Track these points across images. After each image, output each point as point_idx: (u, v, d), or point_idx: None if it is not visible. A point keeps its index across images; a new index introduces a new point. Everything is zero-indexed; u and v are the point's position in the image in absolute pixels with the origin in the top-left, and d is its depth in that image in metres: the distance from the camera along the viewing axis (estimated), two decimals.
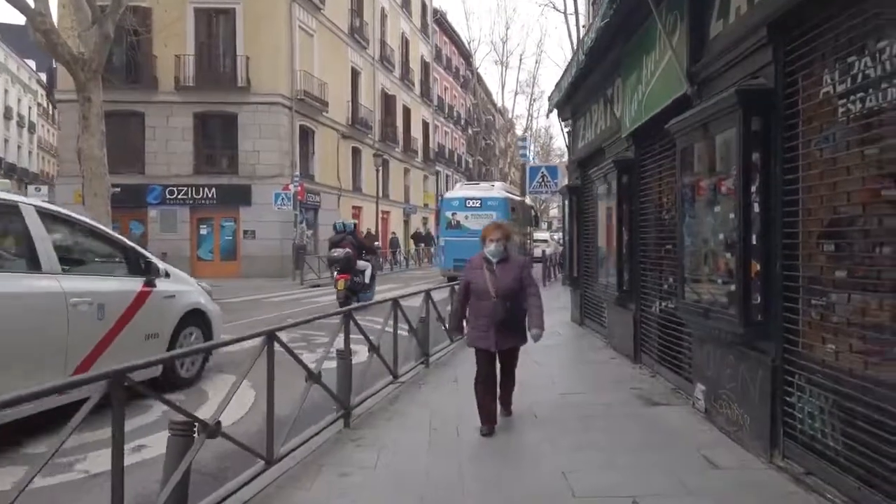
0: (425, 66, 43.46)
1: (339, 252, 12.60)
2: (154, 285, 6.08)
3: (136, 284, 5.86)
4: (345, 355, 5.22)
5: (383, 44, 34.49)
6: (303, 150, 25.62)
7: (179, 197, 23.02)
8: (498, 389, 5.15)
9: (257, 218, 23.02)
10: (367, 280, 13.00)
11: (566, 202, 11.08)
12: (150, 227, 23.14)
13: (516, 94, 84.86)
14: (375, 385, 6.07)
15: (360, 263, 12.83)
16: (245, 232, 23.30)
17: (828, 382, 3.56)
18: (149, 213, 23.07)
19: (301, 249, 22.28)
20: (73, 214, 5.64)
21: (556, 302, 14.28)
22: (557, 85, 10.15)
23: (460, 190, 22.04)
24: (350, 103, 29.86)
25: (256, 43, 23.00)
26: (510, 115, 65.39)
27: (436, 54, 46.36)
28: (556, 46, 75.55)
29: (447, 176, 50.07)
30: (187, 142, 23.09)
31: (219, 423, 3.14)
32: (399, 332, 6.89)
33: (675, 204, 6.22)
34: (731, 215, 4.33)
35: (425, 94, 43.03)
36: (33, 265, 4.82)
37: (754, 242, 4.15)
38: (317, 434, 4.50)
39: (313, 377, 4.42)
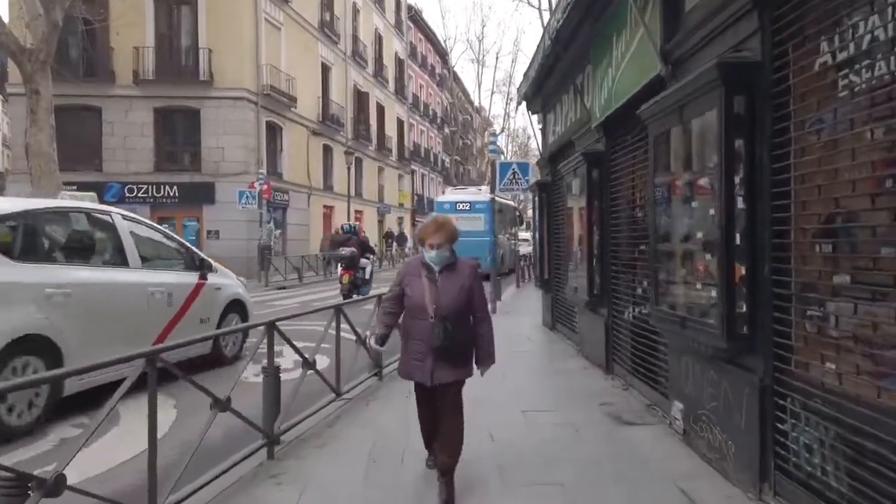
0: (399, 63, 42.73)
1: (345, 250, 13.81)
2: (206, 279, 7.28)
3: (193, 278, 7.09)
4: (270, 371, 4.52)
5: (355, 39, 33.71)
6: (270, 146, 24.77)
7: (139, 195, 22.04)
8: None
9: (221, 217, 22.13)
10: (367, 276, 14.19)
11: (536, 200, 10.49)
12: None
13: (493, 92, 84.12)
14: (314, 405, 5.38)
15: (362, 261, 14.01)
16: (209, 232, 22.39)
17: (828, 409, 2.97)
18: None
19: (266, 250, 21.44)
20: (146, 220, 7.20)
21: (528, 304, 13.68)
22: (525, 74, 9.55)
23: (451, 194, 23.18)
24: (321, 99, 29.04)
25: (220, 35, 22.11)
26: (488, 114, 64.92)
27: (410, 51, 45.66)
28: (532, 44, 75.30)
29: (423, 175, 49.40)
30: (147, 138, 22.12)
31: (62, 476, 2.43)
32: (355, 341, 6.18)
33: (649, 200, 5.66)
34: (711, 211, 3.73)
35: (400, 91, 42.30)
36: (123, 262, 6.15)
37: (738, 242, 3.55)
38: (227, 471, 3.80)
39: (220, 404, 3.72)
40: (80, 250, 5.95)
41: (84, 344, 5.29)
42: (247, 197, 20.75)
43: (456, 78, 58.33)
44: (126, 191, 21.93)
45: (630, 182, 6.28)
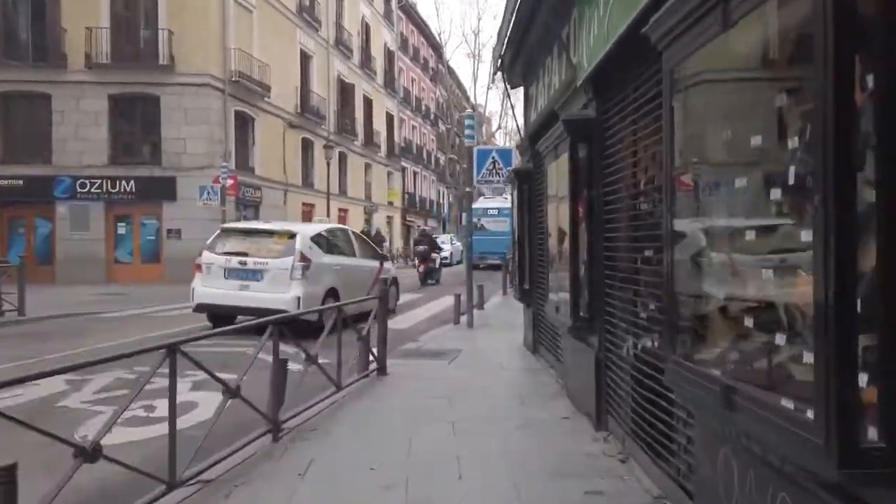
0: (389, 55, 40.81)
1: (422, 248, 19.89)
2: (382, 265, 12.53)
3: (377, 264, 12.34)
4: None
5: (339, 27, 31.78)
6: (240, 139, 22.84)
7: (93, 191, 20.12)
8: None
9: (183, 215, 20.22)
10: (437, 266, 20.03)
11: (515, 192, 8.58)
12: (59, 226, 20.23)
13: (489, 88, 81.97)
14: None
15: (433, 255, 19.68)
16: (169, 231, 20.48)
17: None
18: (56, 209, 20.15)
19: None
20: (358, 232, 13.60)
21: (511, 317, 11.76)
22: (499, 34, 7.62)
23: (482, 202, 27.55)
24: (299, 90, 27.11)
25: (182, 15, 20.19)
26: (484, 111, 62.93)
27: (401, 43, 43.75)
28: None
29: (415, 173, 47.49)
30: (101, 127, 20.20)
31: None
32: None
33: (658, 186, 3.79)
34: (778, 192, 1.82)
35: (389, 84, 40.38)
36: (354, 254, 11.61)
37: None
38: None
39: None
40: (340, 248, 11.28)
41: (346, 292, 10.12)
42: (208, 192, 18.86)
43: (451, 73, 56.38)
44: (78, 185, 20.02)
45: (631, 161, 4.37)
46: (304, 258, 9.40)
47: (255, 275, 9.50)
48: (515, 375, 7.06)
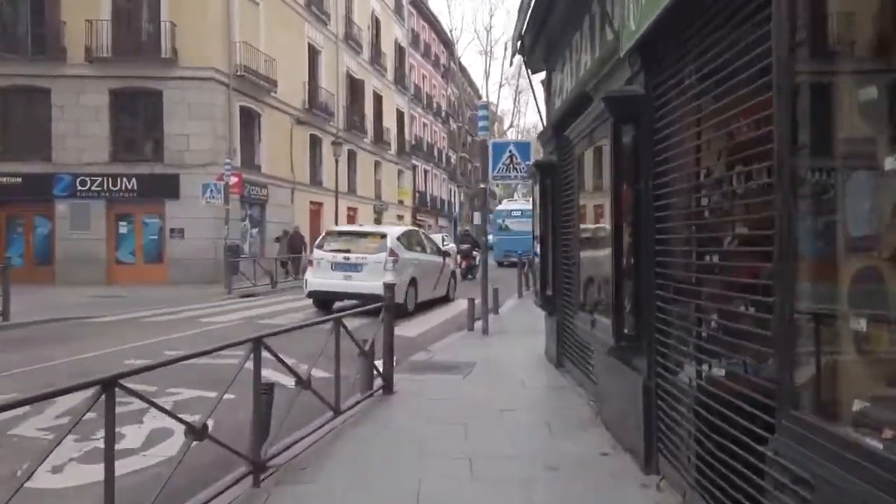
0: (400, 51, 40.03)
1: (465, 246, 22.04)
2: (445, 259, 14.91)
3: (441, 259, 14.70)
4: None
5: (349, 21, 31.02)
6: (246, 135, 22.13)
7: (93, 188, 19.46)
8: None
9: (186, 214, 19.52)
10: (476, 263, 20.33)
11: (536, 187, 7.73)
12: (58, 225, 19.59)
13: (501, 85, 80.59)
14: None
15: (473, 253, 21.41)
16: (172, 230, 19.79)
17: None
18: (56, 208, 19.51)
19: (232, 251, 18.81)
20: (427, 233, 17.33)
21: (529, 322, 10.93)
22: (520, 10, 6.77)
23: (506, 205, 31.90)
24: (307, 85, 26.38)
25: (184, 7, 19.48)
26: (496, 109, 61.98)
27: (412, 39, 42.95)
28: None
29: (426, 171, 46.71)
30: (102, 123, 19.53)
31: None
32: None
33: (729, 176, 2.99)
34: None
35: (400, 80, 39.58)
36: (425, 250, 14.03)
37: None
38: None
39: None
40: (416, 246, 13.52)
41: (422, 281, 12.98)
42: (211, 190, 18.11)
43: (463, 70, 55.56)
44: (78, 183, 19.36)
45: (691, 146, 3.54)
46: (393, 253, 11.85)
47: (357, 267, 12.00)
48: (539, 395, 6.21)
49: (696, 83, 3.48)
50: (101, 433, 4.87)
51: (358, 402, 5.51)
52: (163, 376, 6.78)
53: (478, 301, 10.51)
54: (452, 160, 54.70)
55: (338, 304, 12.33)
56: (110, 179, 19.46)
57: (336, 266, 12.06)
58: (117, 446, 4.69)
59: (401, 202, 40.08)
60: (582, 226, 5.19)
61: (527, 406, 5.77)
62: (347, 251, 12.20)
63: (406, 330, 10.31)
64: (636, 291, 4.06)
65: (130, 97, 19.89)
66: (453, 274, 13.01)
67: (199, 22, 19.60)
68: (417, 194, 43.80)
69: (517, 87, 53.24)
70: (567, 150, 6.80)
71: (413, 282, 12.51)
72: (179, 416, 3.51)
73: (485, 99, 58.10)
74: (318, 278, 12.17)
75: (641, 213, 4.05)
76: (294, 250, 22.12)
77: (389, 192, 37.74)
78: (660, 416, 3.94)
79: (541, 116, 7.70)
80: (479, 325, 10.42)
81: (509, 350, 8.56)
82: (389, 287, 6.26)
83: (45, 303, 13.86)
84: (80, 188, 19.37)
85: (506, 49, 74.90)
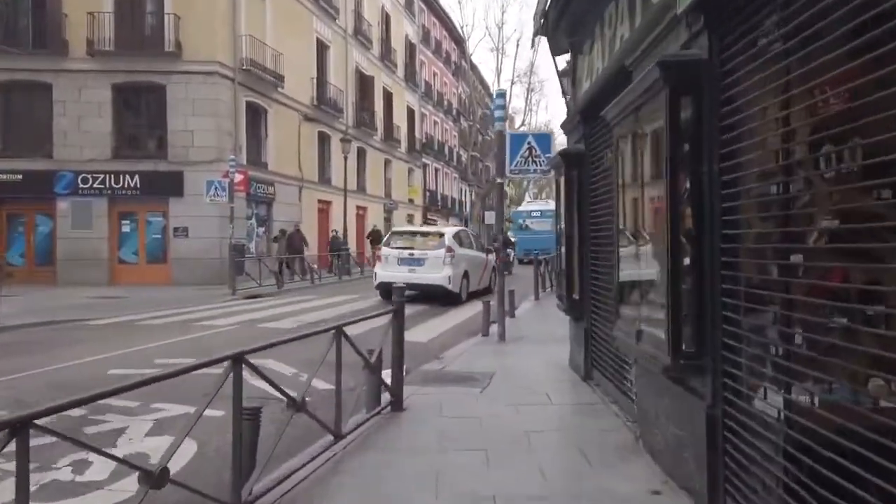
0: (410, 48, 39.36)
1: (497, 244, 25.23)
2: (488, 256, 16.09)
3: (485, 255, 16.32)
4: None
5: (358, 16, 30.38)
6: (252, 131, 21.53)
7: (95, 186, 18.91)
8: None
9: (191, 212, 18.93)
10: (511, 260, 22.36)
11: (560, 179, 7.00)
12: (60, 223, 19.06)
13: (513, 83, 79.55)
14: None
15: (507, 251, 21.07)
16: (176, 229, 19.20)
17: None
18: (57, 206, 18.97)
19: (238, 251, 18.20)
20: (470, 230, 20.18)
21: (548, 326, 10.21)
22: None
23: (525, 206, 34.14)
24: (315, 80, 25.75)
25: None
26: (507, 107, 61.12)
27: (423, 36, 42.27)
28: None
29: (436, 169, 46.03)
30: (104, 119, 18.98)
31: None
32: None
33: (814, 150, 2.32)
34: None
35: (410, 77, 38.90)
36: (472, 247, 15.85)
37: None
38: None
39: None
40: (466, 243, 15.33)
41: (472, 274, 14.91)
42: (215, 188, 17.51)
43: (474, 68, 54.73)
44: (80, 181, 18.82)
45: (770, 119, 2.84)
46: (450, 250, 13.50)
47: (419, 262, 13.98)
48: (568, 414, 5.49)
49: (777, 42, 2.78)
50: (65, 462, 4.26)
51: (363, 423, 4.82)
52: (148, 390, 6.16)
53: (492, 302, 9.80)
54: (463, 159, 53.95)
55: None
56: (112, 177, 18.91)
57: (401, 261, 14.16)
58: (82, 477, 4.05)
59: (411, 201, 39.41)
60: (623, 219, 4.47)
61: (555, 427, 5.05)
62: (411, 248, 14.33)
63: (417, 335, 9.63)
64: (698, 298, 3.34)
65: (133, 92, 19.33)
66: (494, 268, 13.40)
67: (204, 14, 19.02)
68: (428, 193, 43.13)
69: (529, 85, 52.23)
70: (598, 136, 6.09)
71: (465, 274, 14.53)
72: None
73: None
74: (386, 271, 14.10)
75: (705, 203, 3.33)
76: (294, 250, 21.07)
77: (399, 190, 37.08)
78: (728, 451, 3.22)
79: (566, 101, 6.97)
80: (494, 329, 9.73)
81: (529, 359, 7.84)
82: (399, 291, 5.57)
83: (40, 305, 13.30)
84: (81, 186, 18.83)
85: (518, 46, 73.59)
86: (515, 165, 9.31)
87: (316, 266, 20.80)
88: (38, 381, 6.46)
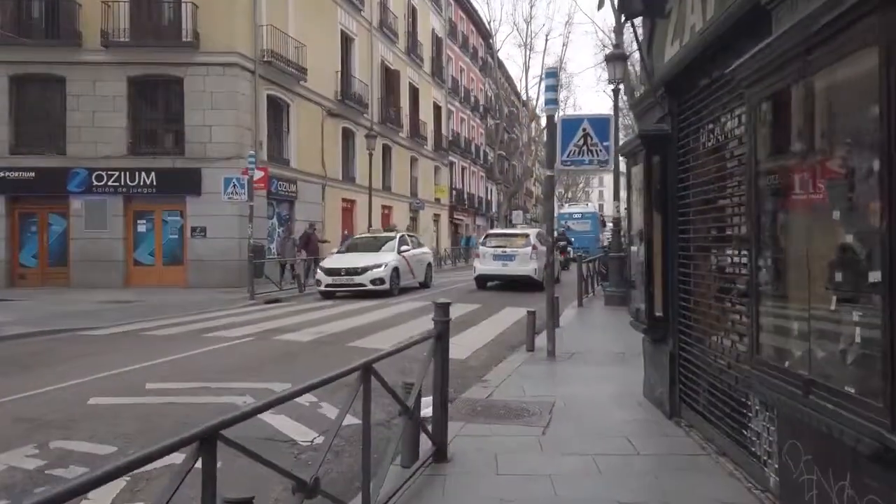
0: (437, 42, 38.20)
1: (562, 243, 24.08)
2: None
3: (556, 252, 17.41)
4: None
5: (384, 8, 29.31)
6: (273, 127, 20.56)
7: (110, 184, 18.09)
8: None
9: (209, 211, 18.01)
10: (571, 256, 22.69)
11: (636, 169, 5.72)
12: (73, 223, 18.25)
13: (542, 79, 78.05)
14: None
15: (568, 248, 25.35)
16: (193, 229, 18.30)
17: None
18: (71, 205, 18.19)
19: (257, 252, 17.18)
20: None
21: (603, 338, 8.93)
22: None
23: (568, 208, 37.19)
24: (339, 74, 24.73)
25: None
26: (535, 104, 59.48)
27: (450, 30, 41.07)
28: (585, 24, 67.03)
29: (463, 168, 44.81)
30: (119, 114, 18.15)
31: None
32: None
33: None
34: None
35: (437, 73, 37.75)
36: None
37: None
38: None
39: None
40: (543, 241, 14.24)
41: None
42: (234, 185, 16.49)
43: (501, 65, 53.36)
44: (94, 178, 18.02)
45: None
46: (535, 248, 15.16)
47: (510, 258, 16.60)
48: (665, 471, 4.20)
49: None
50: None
51: (399, 489, 3.61)
52: (127, 424, 5.04)
53: (520, 308, 8.56)
54: (490, 157, 52.65)
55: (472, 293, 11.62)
56: (128, 174, 18.06)
57: (496, 257, 16.93)
58: None
59: (437, 200, 38.25)
60: (765, 215, 3.18)
61: (655, 495, 3.78)
62: (504, 246, 17.00)
63: (454, 350, 8.34)
64: None
65: (149, 85, 18.48)
66: (561, 263, 15.96)
67: (223, 3, 18.11)
68: (454, 192, 41.94)
69: (558, 81, 50.61)
70: (695, 111, 4.81)
71: (544, 267, 18.37)
72: None
73: (525, 94, 55.89)
74: (483, 266, 17.15)
75: None
76: (310, 252, 19.14)
77: (426, 189, 35.94)
78: None
79: (646, 70, 5.66)
80: (539, 341, 8.50)
81: (591, 384, 6.57)
82: (442, 324, 4.33)
83: (46, 310, 12.39)
84: (95, 183, 18.00)
85: (547, 41, 71.63)
86: (568, 155, 8.04)
87: None
88: None
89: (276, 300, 15.44)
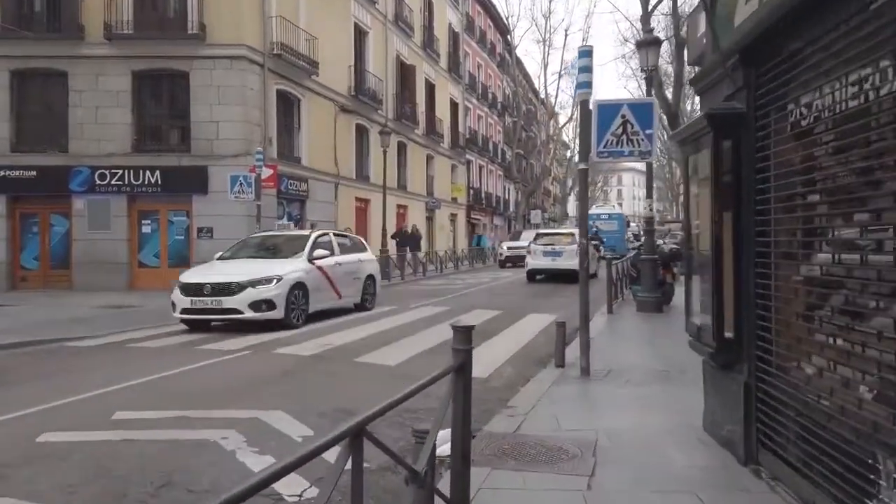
0: (454, 37, 37.22)
1: (595, 242, 24.90)
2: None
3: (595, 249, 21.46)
4: None
5: (399, 1, 28.38)
6: (283, 123, 19.75)
7: (113, 183, 17.37)
8: None
9: (216, 211, 17.24)
10: (602, 253, 23.98)
11: (698, 158, 4.71)
12: (76, 223, 17.55)
13: (560, 75, 76.41)
14: None
15: (600, 247, 26.25)
16: (200, 230, 17.53)
17: None
18: (73, 204, 17.48)
19: None
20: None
21: (642, 353, 7.93)
22: None
23: (596, 209, 37.45)
24: (353, 69, 23.86)
25: None
26: (554, 102, 58.26)
27: (467, 25, 40.09)
28: (606, 14, 65.37)
29: (481, 167, 43.81)
30: (123, 109, 17.43)
31: None
32: None
33: None
34: None
35: (454, 68, 36.77)
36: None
37: None
38: None
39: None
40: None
41: (592, 263, 15.77)
42: (241, 184, 15.69)
43: (519, 63, 52.22)
44: (97, 177, 17.31)
45: None
46: (581, 244, 13.91)
47: (559, 254, 18.88)
48: None
49: None
50: None
51: None
52: (73, 472, 4.13)
53: (544, 315, 7.57)
54: (508, 156, 51.59)
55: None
56: (132, 172, 17.32)
57: (545, 253, 19.31)
58: None
59: (454, 199, 37.28)
60: None
61: None
62: (553, 244, 19.45)
63: (474, 365, 7.45)
64: None
65: (154, 80, 17.74)
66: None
67: None
68: (471, 191, 40.96)
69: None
70: (784, 83, 3.80)
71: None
72: None
73: (544, 91, 54.69)
74: (535, 261, 19.52)
75: None
76: None
77: (442, 188, 34.99)
78: None
79: (713, 34, 4.65)
80: (569, 354, 7.55)
81: (636, 411, 5.58)
82: (463, 354, 3.35)
83: (36, 316, 11.65)
84: (98, 182, 17.29)
85: (566, 36, 70.03)
86: (605, 145, 7.04)
87: None
88: None
89: None
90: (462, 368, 3.30)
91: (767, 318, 4.03)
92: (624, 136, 7.07)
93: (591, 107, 7.08)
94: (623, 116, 7.04)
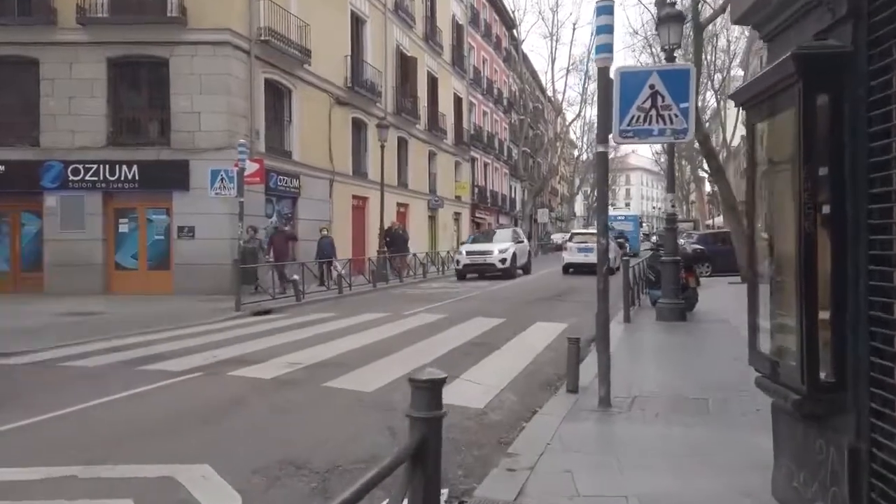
0: (458, 29, 35.90)
1: (621, 240, 29.28)
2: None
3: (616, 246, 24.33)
4: None
5: None
6: (272, 115, 18.49)
7: (88, 178, 16.16)
8: None
9: (198, 209, 16.01)
10: (628, 251, 26.17)
11: (772, 123, 3.40)
12: (48, 222, 16.34)
13: (568, 71, 74.63)
14: None
15: (626, 245, 31.41)
16: (180, 229, 16.29)
17: None
18: (45, 202, 16.27)
19: (249, 255, 15.11)
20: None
21: (665, 373, 6.54)
22: None
23: (612, 211, 35.04)
24: (349, 59, 22.57)
25: None
26: (561, 98, 56.70)
27: (472, 17, 38.75)
28: (616, 7, 63.19)
29: (486, 164, 42.45)
30: (98, 99, 16.20)
31: None
32: None
33: None
34: None
35: (458, 62, 35.44)
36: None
37: None
38: None
39: None
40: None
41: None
42: (222, 179, 14.43)
43: (525, 59, 50.82)
44: (70, 172, 16.09)
45: None
46: (599, 244, 16.79)
47: (591, 250, 18.44)
48: None
49: None
50: None
51: None
52: None
53: (552, 324, 6.28)
54: (514, 154, 50.23)
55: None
56: (107, 167, 16.10)
57: (580, 250, 22.39)
58: None
59: (458, 198, 35.95)
60: None
61: None
62: (585, 241, 22.01)
63: (466, 392, 6.19)
64: None
65: (131, 67, 16.54)
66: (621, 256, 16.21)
67: None
68: (476, 189, 39.62)
69: (587, 72, 47.89)
70: None
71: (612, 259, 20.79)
72: None
73: (552, 88, 53.22)
74: (570, 257, 23.24)
75: None
76: (278, 254, 16.62)
77: (445, 186, 33.67)
78: None
79: None
80: (584, 375, 6.27)
81: (676, 466, 4.25)
82: (427, 428, 2.06)
83: None
84: (72, 178, 16.08)
85: (574, 30, 68.02)
86: (629, 123, 5.71)
87: (343, 272, 17.49)
88: None
89: (267, 311, 13.32)
90: (420, 454, 1.98)
91: (887, 355, 2.70)
92: (653, 111, 5.75)
93: (611, 75, 5.75)
94: (652, 87, 5.72)
